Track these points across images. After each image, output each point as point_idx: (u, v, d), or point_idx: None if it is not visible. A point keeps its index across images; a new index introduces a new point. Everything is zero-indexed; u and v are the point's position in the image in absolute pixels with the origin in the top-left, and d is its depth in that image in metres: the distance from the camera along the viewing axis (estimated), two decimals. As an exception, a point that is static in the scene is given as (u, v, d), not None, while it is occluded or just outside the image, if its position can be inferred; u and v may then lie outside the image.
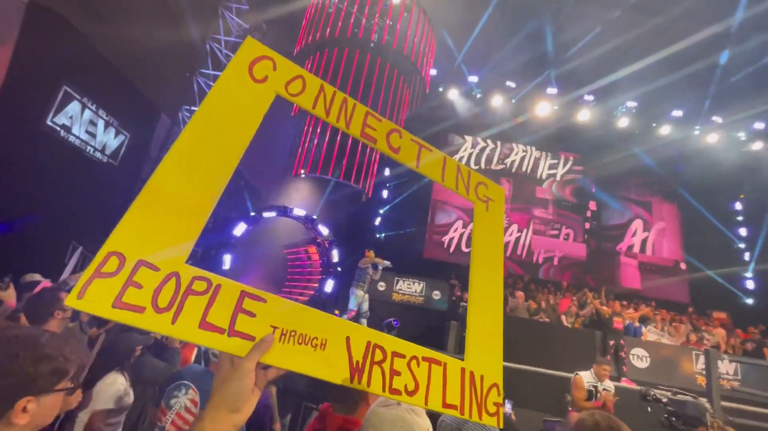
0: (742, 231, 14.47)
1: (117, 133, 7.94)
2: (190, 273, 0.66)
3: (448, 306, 9.49)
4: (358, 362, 0.70)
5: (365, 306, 6.35)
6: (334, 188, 10.71)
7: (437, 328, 8.91)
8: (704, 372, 8.02)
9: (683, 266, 14.23)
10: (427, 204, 14.31)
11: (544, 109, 13.46)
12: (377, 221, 13.32)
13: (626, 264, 14.15)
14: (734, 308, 12.45)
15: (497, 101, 13.47)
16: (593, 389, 4.24)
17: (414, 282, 9.44)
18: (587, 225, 14.55)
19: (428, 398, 0.74)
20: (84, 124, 7.07)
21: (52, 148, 6.17)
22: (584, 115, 13.60)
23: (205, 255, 8.54)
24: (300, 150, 10.48)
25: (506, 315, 8.91)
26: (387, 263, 6.59)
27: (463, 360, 0.85)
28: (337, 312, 8.00)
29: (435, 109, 13.59)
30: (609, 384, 4.33)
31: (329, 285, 8.83)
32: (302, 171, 10.30)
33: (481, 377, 0.80)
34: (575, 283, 11.54)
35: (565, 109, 13.54)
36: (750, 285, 13.79)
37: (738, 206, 14.78)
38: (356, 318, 6.21)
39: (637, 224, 14.66)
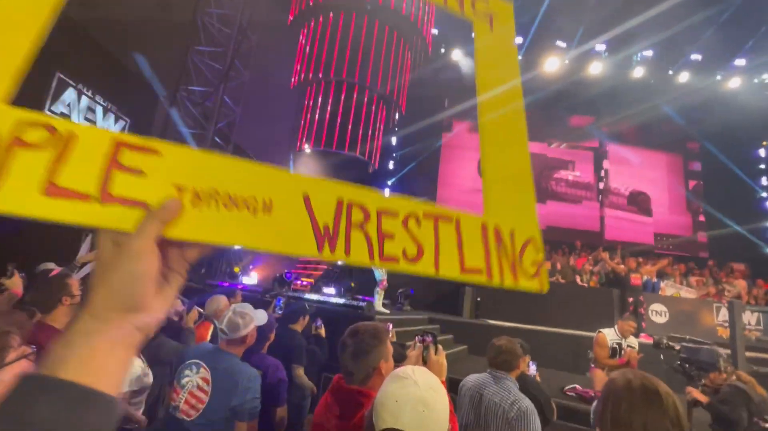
0: (764, 180, 13.94)
1: (117, 119, 7.83)
2: (13, 118, 0.42)
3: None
4: (326, 226, 0.49)
5: (384, 277, 6.32)
6: (340, 160, 10.55)
7: (452, 295, 8.92)
8: (725, 324, 7.96)
9: (702, 218, 13.88)
10: (435, 171, 14.07)
11: (553, 64, 12.83)
12: (386, 192, 13.17)
13: (641, 222, 13.85)
14: (755, 259, 12.17)
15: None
16: (617, 346, 4.21)
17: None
18: (601, 185, 14.18)
19: (439, 263, 0.52)
20: (82, 111, 6.96)
21: (53, 138, 6.08)
22: (596, 68, 12.93)
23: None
24: (302, 123, 10.26)
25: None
26: None
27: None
28: (353, 284, 8.04)
29: (439, 72, 13.07)
30: (633, 341, 4.28)
31: None
32: (306, 145, 10.13)
33: (512, 232, 0.57)
34: (589, 243, 11.35)
35: (574, 63, 12.87)
36: (771, 234, 13.43)
37: (762, 153, 14.16)
38: (373, 289, 6.23)
39: (653, 180, 14.22)
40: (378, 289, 5.96)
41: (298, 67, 10.34)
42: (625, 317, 4.43)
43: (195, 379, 1.76)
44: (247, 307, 1.96)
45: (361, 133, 10.16)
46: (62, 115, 6.45)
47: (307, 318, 3.24)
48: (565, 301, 7.79)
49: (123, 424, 1.95)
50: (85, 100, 6.99)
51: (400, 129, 13.27)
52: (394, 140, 13.34)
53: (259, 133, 10.49)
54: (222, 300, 2.96)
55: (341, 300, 5.77)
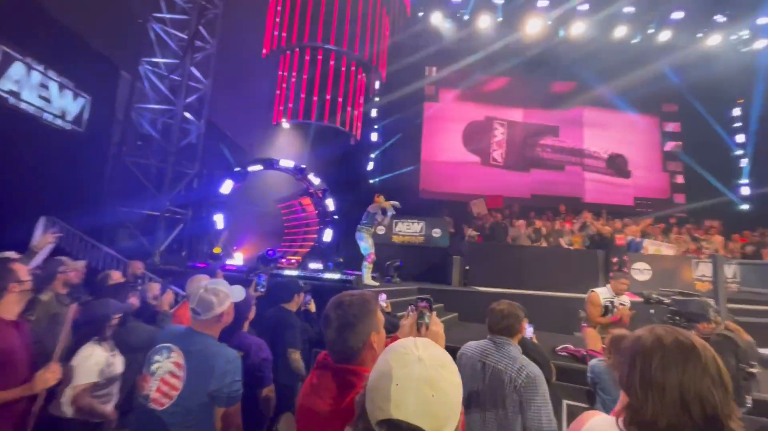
0: (739, 138, 14.20)
1: (75, 96, 7.25)
2: None
3: (449, 243, 9.47)
4: None
5: (372, 250, 6.22)
6: (319, 133, 10.20)
7: (441, 265, 8.93)
8: (703, 278, 8.21)
9: (679, 179, 14.14)
10: (418, 143, 13.82)
11: (535, 26, 12.47)
12: (369, 166, 12.96)
13: (620, 185, 14.03)
14: (729, 215, 12.53)
15: (484, 21, 12.42)
16: (609, 304, 4.19)
17: (413, 223, 9.32)
18: (583, 150, 14.21)
19: None
20: (34, 88, 6.38)
21: (2, 118, 5.58)
22: (578, 29, 12.63)
23: (195, 216, 8.26)
24: (278, 94, 9.78)
25: (509, 244, 8.89)
26: (396, 203, 6.26)
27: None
28: (341, 260, 7.93)
29: (419, 37, 12.58)
30: (625, 299, 4.27)
31: (328, 235, 8.69)
32: (283, 119, 9.70)
33: None
34: (573, 208, 11.44)
35: (556, 23, 12.53)
36: (745, 191, 13.81)
37: (737, 112, 14.35)
38: (361, 263, 6.13)
39: (632, 143, 14.32)
40: (366, 263, 5.86)
41: (270, 34, 9.74)
42: (616, 275, 4.43)
43: (166, 364, 1.60)
44: (221, 283, 1.78)
45: (340, 102, 9.77)
46: (11, 92, 5.89)
47: (302, 296, 3.12)
48: (552, 265, 7.87)
49: (89, 418, 1.78)
50: (36, 75, 6.39)
51: (381, 98, 12.89)
52: (375, 111, 12.95)
53: (233, 108, 9.99)
54: (203, 279, 2.77)
55: (329, 275, 5.66)
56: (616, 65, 13.35)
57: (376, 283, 5.79)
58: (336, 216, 9.05)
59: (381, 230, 9.48)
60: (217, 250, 7.40)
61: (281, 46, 9.54)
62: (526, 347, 2.22)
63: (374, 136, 12.97)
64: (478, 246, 8.70)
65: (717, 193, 13.58)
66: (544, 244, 8.95)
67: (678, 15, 12.64)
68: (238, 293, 1.80)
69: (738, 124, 14.30)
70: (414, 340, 0.78)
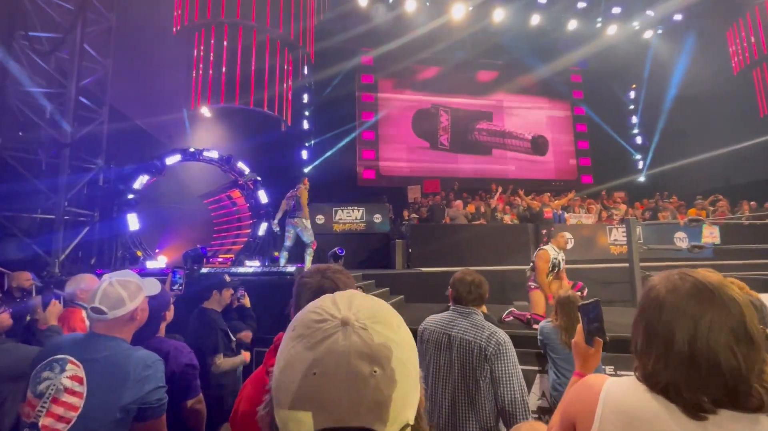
0: (634, 119, 16.10)
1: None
2: None
3: (390, 228, 9.45)
4: None
5: (313, 237, 6.02)
6: (246, 118, 9.50)
7: (383, 250, 8.92)
8: (616, 242, 9.15)
9: (587, 161, 15.65)
10: (354, 129, 13.57)
11: (459, 10, 12.75)
12: (304, 154, 12.45)
13: (541, 162, 15.16)
14: (630, 187, 14.21)
15: (411, 5, 12.41)
16: (555, 260, 4.50)
17: (353, 210, 9.15)
18: (509, 133, 15.05)
19: None
20: None
21: None
22: (499, 15, 13.18)
23: (104, 216, 7.20)
24: (194, 77, 8.84)
25: (447, 225, 9.11)
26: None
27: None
28: (276, 254, 7.56)
29: (346, 19, 12.20)
30: (563, 255, 4.65)
31: (262, 229, 8.19)
32: (203, 105, 8.83)
33: None
34: (504, 186, 12.08)
35: (480, 9, 12.94)
36: (640, 165, 15.78)
37: (631, 95, 16.21)
38: (303, 251, 5.90)
39: (549, 127, 15.49)
40: (309, 250, 5.73)
41: (179, 9, 8.71)
42: (555, 232, 4.75)
43: (59, 381, 1.28)
44: (131, 275, 1.46)
45: (266, 85, 9.14)
46: None
47: (226, 292, 2.83)
48: (488, 241, 8.23)
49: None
50: None
51: (312, 82, 12.39)
52: (306, 97, 12.41)
53: (144, 93, 8.83)
54: (86, 277, 2.32)
55: (267, 269, 5.27)
56: (532, 50, 14.25)
57: None
58: (270, 209, 8.55)
59: (321, 219, 9.20)
60: (139, 254, 6.60)
61: (194, 21, 8.59)
62: (486, 316, 2.18)
63: (306, 123, 12.45)
64: (419, 229, 8.80)
65: (620, 169, 15.27)
66: (483, 221, 9.31)
67: (582, 5, 13.73)
68: (152, 286, 1.49)
69: (631, 107, 16.21)
70: (331, 297, 0.56)
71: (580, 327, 1.18)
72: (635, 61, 15.26)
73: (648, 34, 14.84)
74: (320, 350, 0.49)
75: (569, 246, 9.04)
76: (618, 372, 3.25)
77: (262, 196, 8.36)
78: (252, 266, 6.61)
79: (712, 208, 10.12)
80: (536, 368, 3.40)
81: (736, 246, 7.14)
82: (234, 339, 2.72)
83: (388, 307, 0.55)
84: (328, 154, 12.68)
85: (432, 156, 14.22)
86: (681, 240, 8.93)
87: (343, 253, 7.59)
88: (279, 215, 6.33)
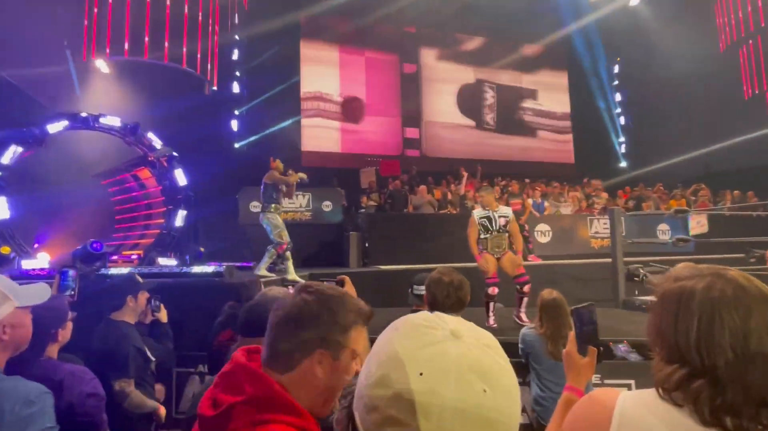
0: (618, 96, 17.13)
1: None
2: None
3: (343, 217, 9.38)
4: None
5: (286, 235, 5.95)
6: (158, 77, 8.94)
7: (335, 244, 8.84)
8: (597, 235, 9.76)
9: (570, 137, 16.53)
10: (297, 94, 13.22)
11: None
12: (234, 125, 11.94)
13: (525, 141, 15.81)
14: (610, 173, 15.20)
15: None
16: (486, 221, 5.05)
17: (297, 195, 8.96)
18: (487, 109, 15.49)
19: None
20: None
21: None
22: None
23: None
24: (87, 23, 8.08)
25: (410, 214, 9.19)
26: (303, 176, 6.14)
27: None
28: (202, 249, 7.27)
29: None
30: (505, 210, 5.13)
31: (180, 218, 7.79)
32: (99, 57, 8.12)
33: None
34: (472, 170, 12.43)
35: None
36: (623, 148, 16.90)
37: (616, 69, 17.20)
38: (284, 253, 5.92)
39: (531, 96, 16.15)
40: (270, 250, 5.81)
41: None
42: (478, 190, 5.10)
43: None
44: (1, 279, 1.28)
45: (185, 36, 8.59)
46: None
47: (142, 296, 2.70)
48: (461, 232, 8.43)
49: None
50: None
51: (244, 35, 11.83)
52: (236, 53, 11.84)
53: (19, 44, 7.92)
54: None
55: (188, 270, 5.03)
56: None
57: (272, 275, 5.50)
58: (190, 193, 8.15)
59: (256, 206, 8.91)
60: (5, 250, 6.01)
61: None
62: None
63: (237, 86, 11.92)
64: (377, 219, 8.79)
65: (602, 152, 16.26)
66: (452, 210, 9.50)
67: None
68: (35, 293, 1.31)
69: (615, 83, 17.22)
70: (435, 314, 0.65)
71: (572, 335, 1.20)
72: (622, 31, 16.19)
73: (635, 2, 15.77)
74: (429, 352, 0.56)
75: (546, 239, 9.68)
76: (604, 381, 3.46)
77: (180, 177, 7.91)
78: (167, 265, 6.26)
79: (693, 198, 11.09)
80: (517, 380, 3.53)
81: (719, 240, 7.88)
82: (153, 359, 2.55)
83: (491, 336, 0.63)
84: (268, 131, 12.27)
85: (394, 128, 14.32)
86: (664, 233, 9.69)
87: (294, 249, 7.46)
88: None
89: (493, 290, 5.01)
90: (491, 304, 5.05)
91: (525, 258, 8.04)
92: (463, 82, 15.47)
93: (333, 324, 0.95)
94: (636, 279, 3.21)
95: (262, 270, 5.70)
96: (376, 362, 0.59)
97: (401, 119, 14.63)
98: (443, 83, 15.27)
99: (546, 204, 9.84)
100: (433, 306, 2.00)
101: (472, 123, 15.42)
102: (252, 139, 12.29)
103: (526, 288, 5.15)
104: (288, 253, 5.96)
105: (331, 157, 13.44)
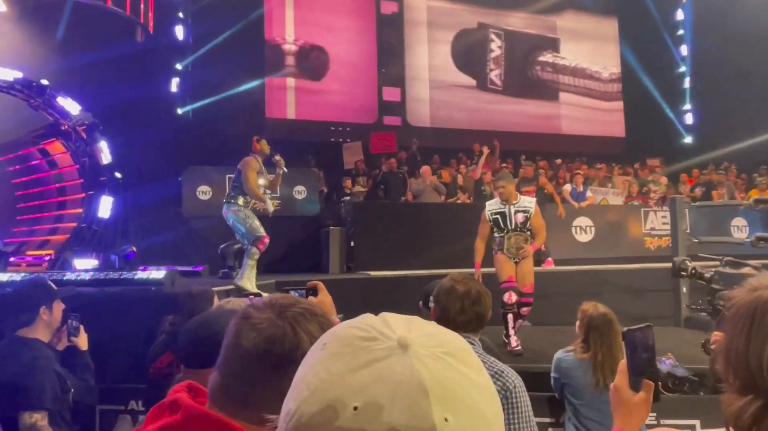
0: (684, 50, 17.13)
1: None
2: None
3: (321, 207, 9.38)
4: None
5: (261, 228, 6.04)
6: (74, 19, 8.82)
7: (309, 243, 8.85)
8: (653, 233, 9.86)
9: (620, 104, 16.61)
10: (260, 44, 13.15)
11: None
12: (174, 84, 11.85)
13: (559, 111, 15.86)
14: (671, 152, 15.26)
15: None
16: (499, 216, 5.30)
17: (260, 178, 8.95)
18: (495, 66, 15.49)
19: None
20: None
21: None
22: None
23: None
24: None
25: (409, 203, 9.20)
26: (277, 161, 6.26)
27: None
28: (133, 249, 7.50)
29: None
30: (526, 203, 5.35)
31: (105, 206, 7.85)
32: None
33: None
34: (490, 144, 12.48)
35: None
36: (689, 119, 16.92)
37: (680, 15, 17.19)
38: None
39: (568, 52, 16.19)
40: (251, 251, 5.86)
41: None
42: (495, 178, 5.30)
43: None
44: None
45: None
46: None
47: (57, 308, 2.70)
48: (472, 228, 8.46)
49: None
50: None
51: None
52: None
53: None
54: None
55: (115, 275, 5.05)
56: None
57: (258, 292, 5.58)
58: (117, 174, 8.19)
59: (205, 193, 8.95)
60: None
61: None
62: (486, 344, 2.25)
63: (181, 32, 11.88)
64: (366, 210, 8.79)
65: (660, 123, 16.31)
66: (464, 198, 9.54)
67: None
68: None
69: (681, 32, 17.22)
70: (373, 316, 0.61)
71: (622, 364, 1.21)
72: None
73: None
74: (366, 375, 0.51)
75: (587, 237, 9.75)
76: (661, 421, 3.51)
77: (103, 153, 7.95)
78: (87, 270, 6.26)
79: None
80: (548, 420, 3.57)
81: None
82: (72, 389, 2.56)
83: (460, 338, 0.60)
84: (224, 94, 12.22)
85: (368, 87, 14.28)
86: (740, 229, 9.81)
87: (133, 257, 7.40)
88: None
89: (510, 296, 5.13)
90: (510, 317, 5.17)
91: (538, 264, 8.07)
92: (461, 26, 15.41)
93: None
94: (683, 274, 3.22)
95: (245, 281, 5.74)
96: (295, 396, 0.55)
97: (377, 76, 14.54)
98: (434, 29, 15.22)
99: (589, 192, 9.87)
100: (442, 324, 1.98)
101: (471, 82, 15.42)
102: (200, 103, 12.19)
103: (525, 311, 5.39)
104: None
105: (307, 127, 13.40)
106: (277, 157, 6.29)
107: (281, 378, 0.92)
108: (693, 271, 3.09)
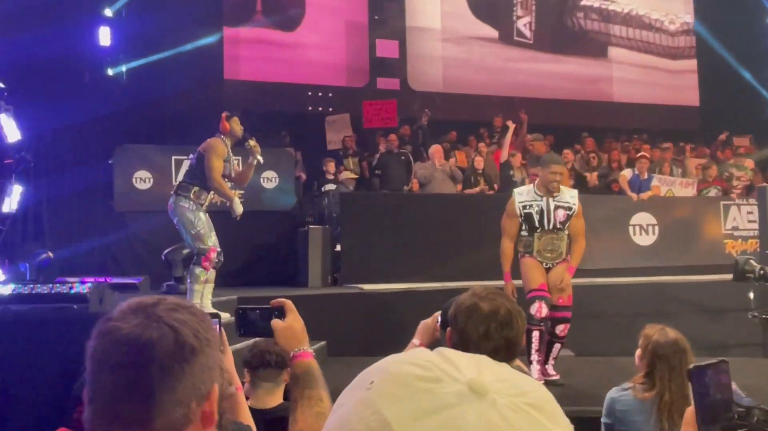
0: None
1: None
2: None
3: (297, 199, 9.38)
4: None
5: (211, 238, 5.97)
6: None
7: (284, 246, 8.86)
8: (735, 234, 9.86)
9: (693, 64, 16.61)
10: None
11: None
12: (102, 36, 11.82)
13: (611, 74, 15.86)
14: (761, 129, 15.25)
15: None
16: (533, 211, 5.28)
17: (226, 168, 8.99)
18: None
19: None
20: None
21: None
22: None
23: None
24: None
25: (414, 194, 9.19)
26: (252, 147, 6.19)
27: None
28: (50, 254, 7.55)
29: None
30: (568, 197, 5.35)
31: (12, 198, 7.84)
32: None
33: None
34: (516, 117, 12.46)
35: None
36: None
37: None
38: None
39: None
40: (195, 271, 5.85)
41: None
42: (544, 160, 5.34)
43: None
44: None
45: None
46: None
47: None
48: (496, 226, 8.45)
49: None
50: None
51: None
52: None
53: None
54: None
55: (26, 290, 5.05)
56: None
57: (216, 312, 5.50)
58: (28, 156, 8.35)
59: (145, 181, 8.93)
60: None
61: None
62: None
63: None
64: (357, 203, 8.78)
65: (746, 90, 16.27)
66: (485, 188, 9.54)
67: None
68: None
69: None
70: (437, 352, 0.64)
71: (690, 410, 1.24)
72: None
73: None
74: (431, 425, 0.53)
75: (649, 239, 9.72)
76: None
77: (8, 127, 7.98)
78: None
79: None
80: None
81: None
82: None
83: (544, 389, 0.62)
84: (171, 51, 12.20)
85: (357, 40, 14.25)
86: None
87: (48, 264, 7.40)
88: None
89: (540, 309, 5.15)
90: (536, 336, 5.19)
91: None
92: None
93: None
94: (749, 277, 3.22)
95: (200, 298, 5.77)
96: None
97: (368, 26, 14.52)
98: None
99: (655, 180, 9.80)
100: (470, 348, 1.98)
101: (494, 33, 15.43)
102: (138, 62, 12.17)
103: (562, 330, 5.34)
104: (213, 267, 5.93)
105: (278, 93, 13.38)
106: (252, 143, 6.21)
107: (174, 383, 1.00)
108: (762, 273, 3.09)
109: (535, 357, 5.17)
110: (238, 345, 3.86)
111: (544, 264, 5.30)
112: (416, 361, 0.61)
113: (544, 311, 5.11)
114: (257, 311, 1.79)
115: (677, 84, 16.51)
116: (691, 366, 1.24)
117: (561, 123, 13.01)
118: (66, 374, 3.55)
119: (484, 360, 0.63)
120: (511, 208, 5.36)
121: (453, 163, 9.87)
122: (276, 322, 1.73)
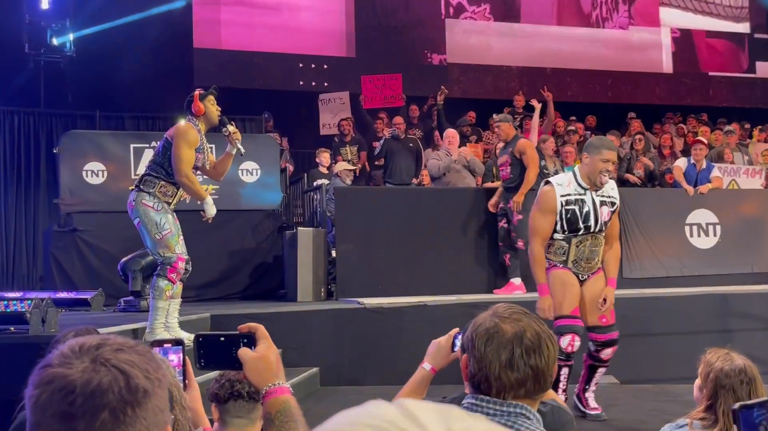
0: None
1: None
2: None
3: (283, 196, 9.50)
4: None
5: (178, 245, 5.87)
6: None
7: (266, 252, 8.90)
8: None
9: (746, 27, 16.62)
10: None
11: None
12: (44, 1, 11.86)
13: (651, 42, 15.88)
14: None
15: None
16: (576, 207, 5.13)
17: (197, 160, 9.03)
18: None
19: None
20: None
21: None
22: None
23: None
24: None
25: (424, 189, 9.19)
26: (231, 134, 6.03)
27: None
28: None
29: None
30: (610, 190, 5.31)
31: None
32: None
33: None
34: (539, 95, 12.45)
35: None
36: None
37: None
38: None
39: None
40: (158, 284, 5.71)
41: None
42: (593, 145, 5.26)
43: None
44: None
45: None
46: None
47: None
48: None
49: None
50: None
51: None
52: None
53: None
54: None
55: None
56: None
57: (186, 336, 5.53)
58: None
59: (97, 174, 8.92)
60: None
61: None
62: (558, 414, 2.31)
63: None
64: (355, 200, 8.79)
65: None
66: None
67: None
68: None
69: None
70: (387, 404, 0.63)
71: None
72: None
73: None
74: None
75: (709, 242, 9.69)
76: None
77: None
78: None
79: None
80: None
81: None
82: None
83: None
84: (130, 17, 12.18)
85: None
86: None
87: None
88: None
89: (572, 342, 5.11)
90: (565, 374, 5.18)
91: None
92: None
93: None
94: None
95: (156, 332, 5.62)
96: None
97: None
98: None
99: (716, 170, 9.76)
100: (481, 387, 2.00)
101: None
102: (89, 30, 12.17)
103: (609, 354, 5.30)
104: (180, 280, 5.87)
105: (258, 65, 13.42)
106: (231, 128, 6.07)
107: (127, 429, 1.04)
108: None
109: (562, 397, 5.00)
110: (202, 378, 3.81)
111: (579, 276, 5.23)
112: (372, 421, 0.60)
113: (577, 345, 5.08)
114: (221, 338, 1.77)
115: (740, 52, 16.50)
116: (737, 405, 1.25)
117: (593, 101, 13.00)
118: (6, 406, 3.54)
119: (453, 413, 0.62)
120: (549, 201, 5.15)
121: (468, 151, 9.82)
122: (244, 352, 1.70)
